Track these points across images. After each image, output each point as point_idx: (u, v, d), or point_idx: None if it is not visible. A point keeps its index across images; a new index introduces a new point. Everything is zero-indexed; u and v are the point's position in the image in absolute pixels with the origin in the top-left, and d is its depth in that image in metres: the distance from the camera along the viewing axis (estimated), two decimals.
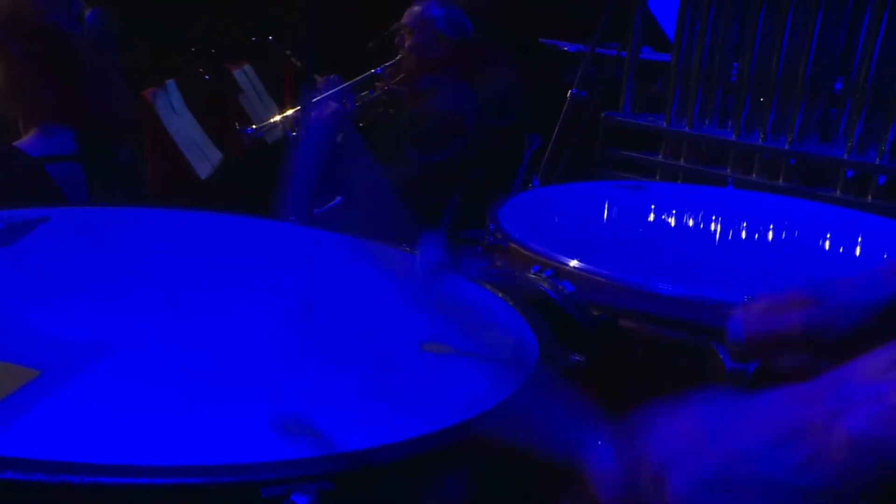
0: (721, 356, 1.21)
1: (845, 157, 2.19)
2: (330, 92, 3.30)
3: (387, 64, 3.63)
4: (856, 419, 0.58)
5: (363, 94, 3.61)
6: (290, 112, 3.54)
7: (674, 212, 1.73)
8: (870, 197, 2.15)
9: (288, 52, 4.96)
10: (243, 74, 4.36)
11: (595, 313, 1.27)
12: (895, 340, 0.61)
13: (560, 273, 1.28)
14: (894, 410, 0.58)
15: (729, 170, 2.38)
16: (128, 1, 3.48)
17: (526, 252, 1.36)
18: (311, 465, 0.73)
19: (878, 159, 2.15)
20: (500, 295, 1.19)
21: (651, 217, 1.69)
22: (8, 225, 0.80)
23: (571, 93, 2.44)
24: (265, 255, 1.34)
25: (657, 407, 0.70)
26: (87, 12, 2.17)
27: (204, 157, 3.48)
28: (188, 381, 0.89)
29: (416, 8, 3.42)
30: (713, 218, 1.71)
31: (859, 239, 1.65)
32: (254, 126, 3.40)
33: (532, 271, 1.30)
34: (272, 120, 3.50)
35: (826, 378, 0.63)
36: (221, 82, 4.34)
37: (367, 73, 3.59)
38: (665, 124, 2.51)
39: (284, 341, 1.03)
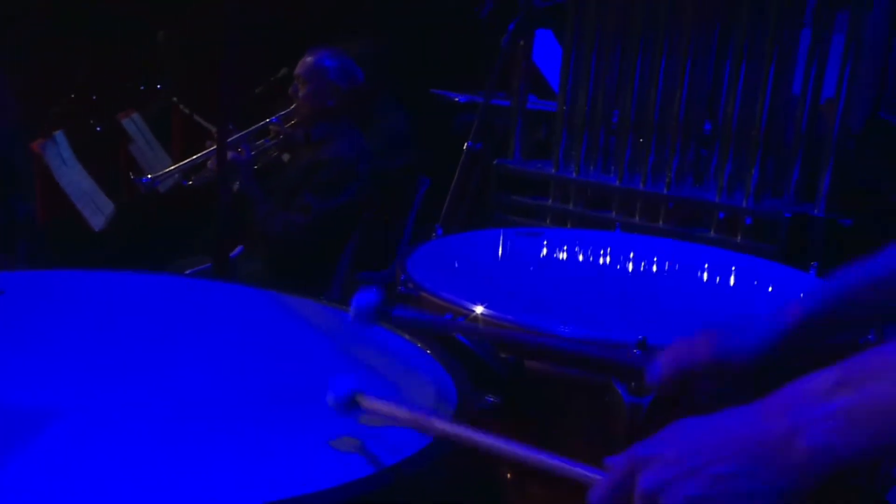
0: (619, 391, 1.33)
1: (716, 199, 2.40)
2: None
3: (281, 113, 3.68)
4: (812, 435, 0.73)
5: (258, 142, 3.65)
6: (185, 161, 3.55)
7: (568, 256, 1.87)
8: (739, 237, 2.36)
9: (175, 98, 4.95)
10: (132, 123, 4.33)
11: (503, 356, 1.38)
12: (831, 364, 0.77)
13: (470, 319, 1.38)
14: (844, 424, 0.73)
15: (613, 213, 2.55)
16: (16, 53, 3.44)
17: (436, 300, 1.46)
18: None
19: (744, 202, 2.37)
20: (419, 344, 1.28)
21: (549, 261, 1.82)
22: None
23: (467, 145, 2.57)
24: (198, 313, 1.39)
25: (640, 439, 0.82)
26: None
27: (96, 209, 3.45)
28: (137, 443, 0.95)
29: (309, 59, 3.49)
30: (605, 261, 1.86)
31: (732, 275, 1.83)
32: (149, 175, 3.39)
33: (445, 318, 1.40)
34: (167, 170, 3.50)
35: (775, 399, 0.77)
36: (111, 132, 4.30)
37: (262, 122, 3.63)
38: (553, 170, 2.67)
39: (221, 399, 1.09)
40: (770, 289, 1.77)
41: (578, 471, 0.86)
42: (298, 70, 3.46)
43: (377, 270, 3.76)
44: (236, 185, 3.27)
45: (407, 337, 1.30)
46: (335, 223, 3.37)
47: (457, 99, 4.03)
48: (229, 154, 3.18)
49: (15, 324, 1.25)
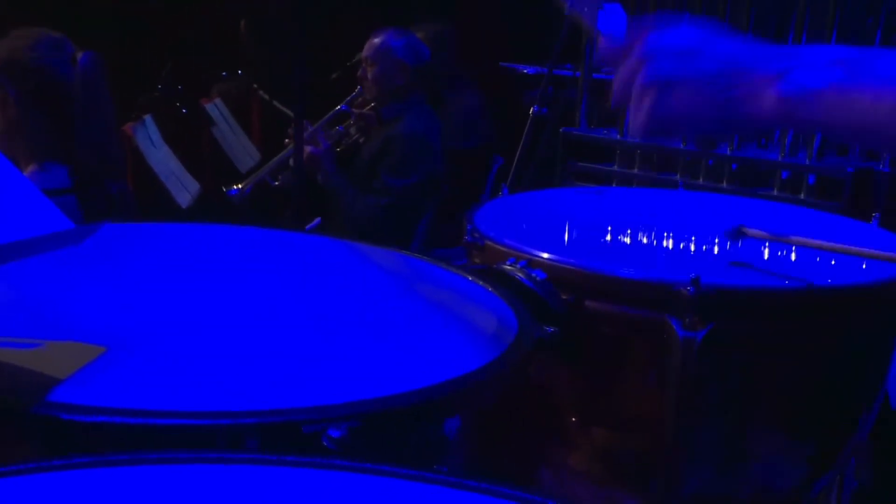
0: (674, 327, 1.40)
1: (779, 159, 2.43)
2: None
3: (348, 98, 3.80)
4: (790, 85, 0.84)
5: (332, 131, 3.77)
6: (269, 164, 3.68)
7: (630, 211, 1.93)
8: (803, 194, 2.38)
9: (255, 85, 5.14)
10: (215, 108, 4.53)
11: (564, 297, 1.46)
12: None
13: (532, 263, 1.47)
14: (823, 92, 0.83)
15: (678, 175, 2.59)
16: (106, 41, 3.64)
17: (500, 247, 1.54)
18: (339, 408, 0.91)
19: (807, 160, 2.39)
20: (480, 283, 1.37)
21: (611, 217, 1.89)
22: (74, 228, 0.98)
23: (533, 110, 2.64)
24: (280, 256, 1.52)
25: (656, 19, 0.97)
26: (79, 55, 2.33)
27: (183, 188, 3.63)
28: (233, 352, 1.07)
29: (376, 40, 3.58)
30: (666, 216, 1.92)
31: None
32: (237, 186, 3.53)
33: (507, 263, 1.49)
34: (253, 176, 3.63)
35: (782, 49, 0.89)
36: (195, 116, 4.51)
37: (334, 111, 3.75)
38: (619, 136, 2.72)
39: (305, 319, 1.21)
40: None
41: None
42: (365, 52, 3.56)
43: (451, 248, 3.87)
44: (320, 177, 3.39)
45: (470, 277, 1.39)
46: (414, 200, 3.47)
47: (525, 71, 4.09)
48: (308, 148, 3.31)
49: (120, 265, 1.39)
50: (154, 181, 3.51)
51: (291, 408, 0.90)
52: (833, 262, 1.62)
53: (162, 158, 3.60)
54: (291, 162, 3.41)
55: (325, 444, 0.88)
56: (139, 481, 0.75)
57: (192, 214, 3.56)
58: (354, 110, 3.64)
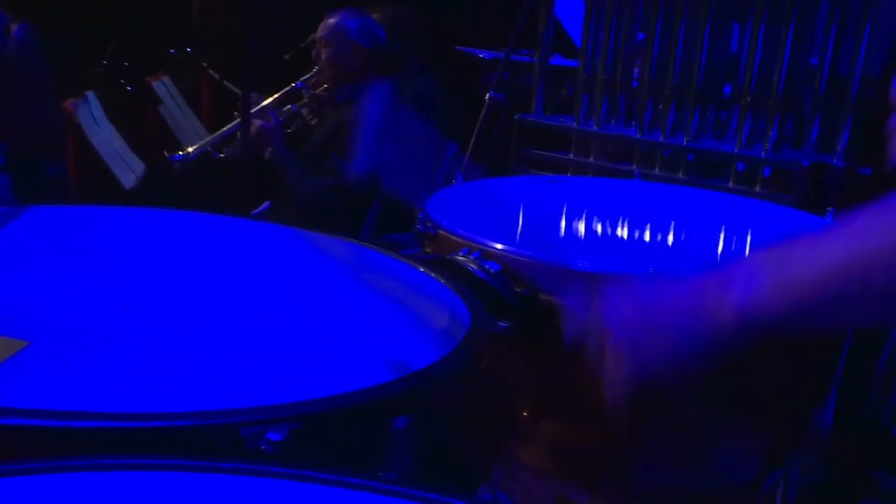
0: None
1: (735, 151, 2.42)
2: (253, 110, 3.37)
3: (305, 77, 3.72)
4: (739, 294, 0.85)
5: (285, 109, 3.68)
6: (215, 135, 3.59)
7: (587, 202, 1.90)
8: (758, 186, 2.37)
9: (205, 63, 5.01)
10: (162, 86, 4.39)
11: (518, 289, 1.42)
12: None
13: (486, 254, 1.42)
14: (766, 286, 0.84)
15: (634, 165, 2.57)
16: (49, 14, 3.51)
17: (453, 237, 1.49)
18: (280, 409, 0.85)
19: (763, 153, 2.38)
20: (432, 274, 1.32)
21: (567, 207, 1.85)
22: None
23: (489, 96, 2.59)
24: (222, 244, 1.45)
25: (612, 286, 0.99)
26: (14, 27, 2.23)
27: (127, 168, 3.52)
28: (168, 348, 1.01)
29: (330, 21, 3.50)
30: (622, 207, 1.89)
31: (747, 219, 1.85)
32: (181, 152, 3.43)
33: (460, 254, 1.44)
34: (199, 144, 3.54)
35: (720, 272, 0.90)
36: (141, 94, 4.37)
37: (288, 88, 3.66)
38: (575, 124, 2.69)
39: (247, 314, 1.15)
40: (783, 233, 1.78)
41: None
42: (320, 33, 3.48)
43: (402, 233, 3.81)
44: (268, 153, 3.32)
45: (422, 269, 1.34)
46: (363, 185, 3.40)
47: (482, 56, 4.03)
48: (258, 122, 3.23)
49: (56, 249, 1.31)
50: (96, 161, 3.40)
51: (227, 409, 0.84)
52: None
53: (105, 137, 3.48)
54: (240, 135, 3.32)
55: (263, 448, 0.82)
56: (59, 490, 0.69)
57: (136, 196, 3.46)
58: (308, 91, 3.55)
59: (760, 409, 1.53)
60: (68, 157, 3.55)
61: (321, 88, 3.65)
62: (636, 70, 2.62)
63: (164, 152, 3.49)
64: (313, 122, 3.72)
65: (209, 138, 3.53)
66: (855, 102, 2.23)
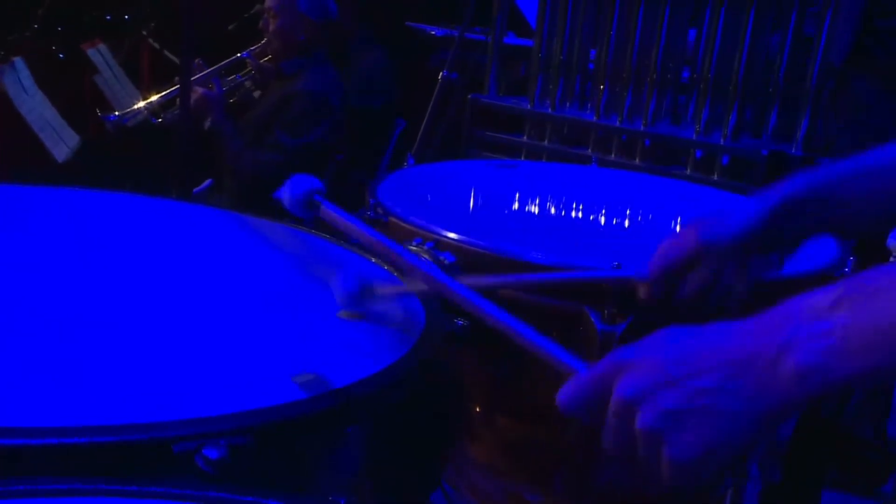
0: (592, 319, 1.30)
1: (694, 138, 2.37)
2: (196, 77, 3.23)
3: (252, 48, 3.60)
4: (804, 353, 0.67)
5: (229, 78, 3.56)
6: (154, 98, 3.45)
7: (543, 188, 1.83)
8: (716, 175, 2.33)
9: (144, 31, 4.82)
10: (97, 54, 4.19)
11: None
12: (833, 283, 0.70)
13: (440, 245, 1.34)
14: (839, 342, 0.66)
15: (590, 150, 2.51)
16: None
17: (406, 225, 1.42)
18: (218, 422, 0.76)
19: (721, 140, 2.34)
20: (383, 266, 1.24)
21: (522, 193, 1.78)
22: None
23: (443, 74, 2.51)
24: (154, 230, 1.34)
25: (625, 344, 0.77)
26: None
27: (60, 140, 3.35)
28: (88, 348, 0.91)
29: None
30: (579, 193, 1.82)
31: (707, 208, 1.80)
32: (116, 113, 3.29)
33: (413, 243, 1.36)
34: (136, 106, 3.39)
35: (773, 314, 0.71)
36: (75, 61, 4.17)
37: (234, 58, 3.54)
38: (529, 106, 2.62)
39: (183, 309, 1.05)
40: None
41: (564, 360, 0.84)
42: (268, 3, 3.36)
43: (348, 212, 3.71)
44: (208, 122, 3.19)
45: (373, 259, 1.26)
46: (306, 161, 3.30)
47: (433, 32, 3.94)
48: (200, 90, 3.10)
49: None
50: (25, 131, 3.22)
51: (157, 422, 0.75)
52: None
53: (35, 107, 3.29)
54: (178, 102, 3.19)
55: (200, 466, 0.74)
56: None
57: (70, 170, 3.29)
58: (254, 62, 3.43)
59: None
60: None
61: (266, 59, 3.53)
62: (592, 52, 2.56)
63: (97, 110, 3.33)
64: (256, 93, 3.60)
65: (146, 102, 3.38)
66: (814, 91, 2.20)
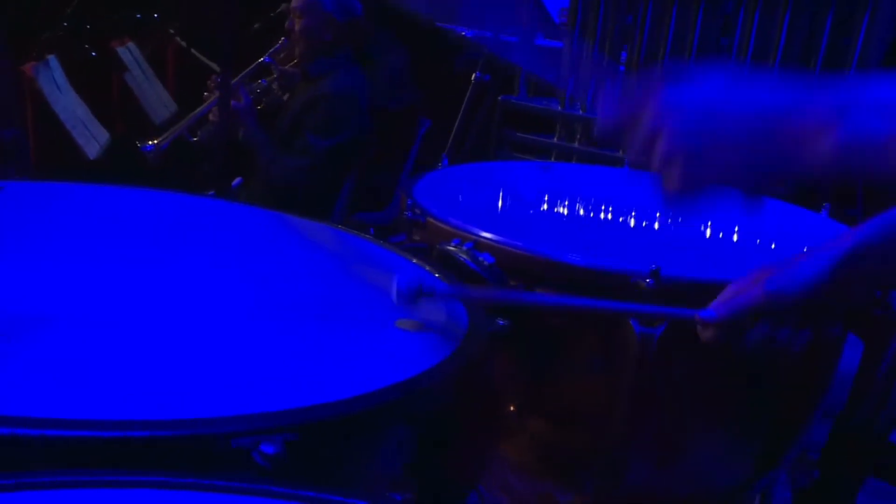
0: (631, 322, 1.31)
1: None
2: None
3: (272, 50, 3.60)
4: (857, 119, 0.70)
5: (253, 85, 3.57)
6: (189, 118, 3.45)
7: (577, 190, 1.83)
8: None
9: (172, 30, 4.85)
10: (127, 52, 4.23)
11: (512, 283, 1.35)
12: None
13: (479, 245, 1.35)
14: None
15: (621, 152, 2.51)
16: None
17: (444, 226, 1.42)
18: (276, 418, 0.78)
19: None
20: (425, 267, 1.25)
21: (557, 195, 1.79)
22: None
23: (476, 76, 2.52)
24: (199, 229, 1.36)
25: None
26: None
27: (91, 137, 3.38)
28: (145, 345, 0.92)
29: None
30: (612, 195, 1.82)
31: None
32: (153, 142, 3.30)
33: (452, 244, 1.37)
34: (171, 130, 3.40)
35: (834, 81, 0.73)
36: (105, 60, 4.21)
37: (255, 64, 3.55)
38: (559, 108, 2.62)
39: (233, 308, 1.06)
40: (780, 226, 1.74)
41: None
42: (294, 3, 3.37)
43: (373, 212, 3.72)
44: (241, 133, 3.21)
45: (414, 260, 1.27)
46: (335, 162, 3.32)
47: (464, 33, 3.94)
48: (230, 103, 3.11)
49: (12, 230, 1.21)
50: (58, 128, 3.25)
51: (216, 417, 0.76)
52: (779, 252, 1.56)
53: (68, 104, 3.33)
54: (211, 117, 3.20)
55: (257, 461, 0.75)
56: None
57: (101, 168, 3.32)
58: (277, 66, 3.44)
59: (753, 412, 1.49)
60: (26, 122, 3.39)
61: (291, 64, 3.55)
62: (623, 53, 2.56)
63: (137, 143, 3.35)
64: (285, 97, 3.61)
65: (181, 123, 3.40)
66: None
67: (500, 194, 1.75)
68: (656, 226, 1.68)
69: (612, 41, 2.57)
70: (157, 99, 4.24)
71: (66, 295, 1.01)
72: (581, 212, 1.71)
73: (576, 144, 2.59)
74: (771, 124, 0.74)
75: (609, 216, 1.70)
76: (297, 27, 3.36)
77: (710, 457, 1.51)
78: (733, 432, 1.50)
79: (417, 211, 1.49)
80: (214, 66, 4.72)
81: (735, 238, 1.66)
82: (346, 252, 1.32)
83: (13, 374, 0.82)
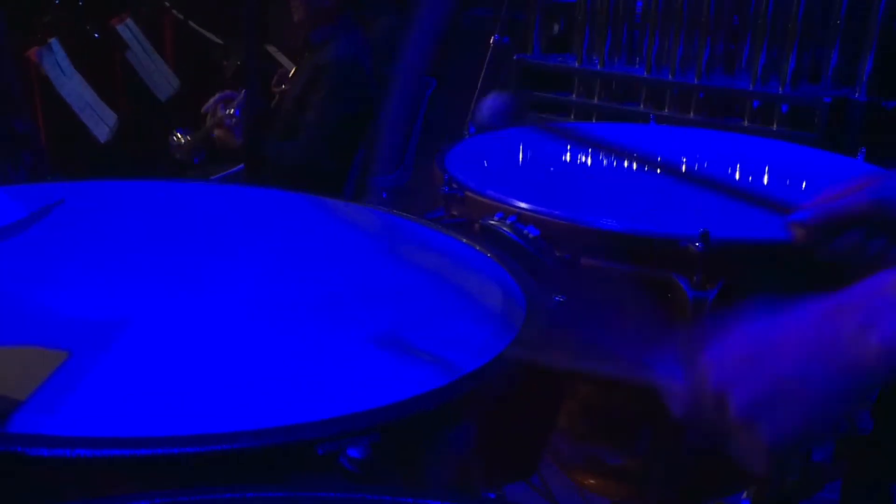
0: (682, 286, 1.29)
1: (751, 88, 2.32)
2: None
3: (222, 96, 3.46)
4: (884, 329, 0.69)
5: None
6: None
7: (607, 150, 1.80)
8: (775, 125, 2.29)
9: (167, 3, 4.77)
10: (127, 29, 4.17)
11: (558, 255, 1.34)
12: None
13: (522, 218, 1.33)
14: None
15: (642, 106, 2.47)
16: None
17: (484, 199, 1.40)
18: (362, 420, 0.77)
19: (780, 89, 2.29)
20: (477, 248, 1.23)
21: (588, 157, 1.76)
22: (30, 214, 0.80)
23: (494, 39, 2.47)
24: (244, 218, 1.34)
25: (714, 334, 0.81)
26: None
27: (99, 120, 3.35)
28: (216, 351, 0.91)
29: None
30: (644, 153, 1.80)
31: (781, 164, 1.77)
32: (195, 152, 3.25)
33: (494, 218, 1.35)
34: (196, 141, 3.33)
35: (856, 291, 0.74)
36: (105, 39, 4.15)
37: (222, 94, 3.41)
38: (577, 64, 2.58)
39: (292, 304, 1.05)
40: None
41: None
42: None
43: (389, 174, 3.69)
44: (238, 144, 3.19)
45: (461, 239, 1.25)
46: (347, 132, 3.28)
47: None
48: (220, 134, 3.09)
49: (70, 235, 1.20)
50: (67, 114, 3.21)
51: (300, 423, 0.75)
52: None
53: (74, 87, 3.29)
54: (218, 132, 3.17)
55: (344, 466, 0.74)
56: None
57: (112, 153, 3.29)
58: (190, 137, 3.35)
59: None
60: (36, 109, 3.36)
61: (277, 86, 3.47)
62: (639, 1, 2.51)
63: (176, 157, 3.30)
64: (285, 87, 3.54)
65: (207, 127, 3.33)
66: (879, 30, 2.13)
67: (532, 162, 1.72)
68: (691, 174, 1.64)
69: None
70: (160, 75, 4.19)
71: (127, 300, 1.00)
72: (617, 173, 1.68)
73: (595, 101, 2.55)
74: (812, 348, 0.74)
75: (647, 176, 1.67)
76: None
77: None
78: None
79: (455, 185, 1.47)
80: (213, 36, 4.67)
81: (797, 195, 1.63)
82: (389, 234, 1.30)
83: (96, 390, 0.81)
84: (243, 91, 3.34)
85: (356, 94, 3.25)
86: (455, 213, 1.47)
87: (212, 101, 3.28)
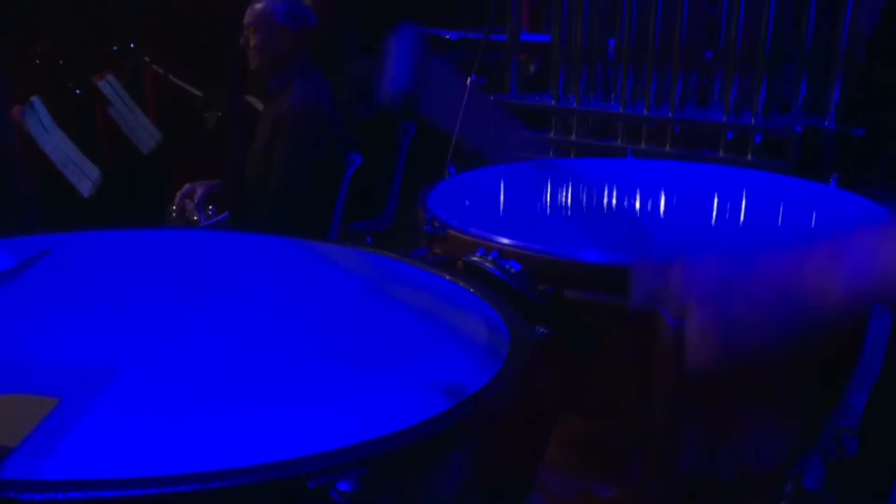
0: (663, 315, 1.31)
1: (724, 120, 2.37)
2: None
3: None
4: (852, 271, 0.83)
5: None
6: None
7: (586, 185, 1.84)
8: (749, 155, 2.34)
9: (147, 58, 4.82)
10: (108, 85, 4.21)
11: (541, 288, 1.36)
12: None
13: (504, 254, 1.35)
14: (881, 276, 0.82)
15: (619, 140, 2.52)
16: None
17: (466, 237, 1.43)
18: (351, 453, 0.78)
19: (752, 120, 2.34)
20: (461, 283, 1.24)
21: (568, 192, 1.79)
22: (19, 263, 0.81)
23: (471, 79, 2.51)
24: (233, 264, 1.36)
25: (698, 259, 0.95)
26: None
27: (83, 175, 3.36)
28: (205, 390, 0.92)
29: (257, 6, 3.34)
30: (623, 187, 1.83)
31: (755, 193, 1.80)
32: (204, 214, 3.28)
33: (476, 254, 1.37)
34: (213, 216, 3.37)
35: (825, 251, 0.86)
36: (87, 95, 4.19)
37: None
38: (553, 102, 2.62)
39: (279, 342, 1.06)
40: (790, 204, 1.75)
41: None
42: (247, 19, 3.31)
43: (369, 220, 3.71)
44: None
45: (445, 275, 1.27)
46: (322, 178, 3.28)
47: (448, 36, 3.94)
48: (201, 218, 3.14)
49: (59, 283, 1.21)
50: (50, 169, 3.23)
51: (289, 459, 0.76)
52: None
53: (57, 144, 3.31)
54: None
55: (335, 500, 0.75)
56: None
57: (95, 203, 3.30)
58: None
59: (794, 391, 1.50)
60: (29, 165, 3.38)
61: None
62: (612, 40, 2.56)
63: (194, 219, 3.34)
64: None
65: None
66: (843, 60, 2.19)
67: (513, 198, 1.75)
68: (669, 205, 1.68)
69: (601, 26, 2.57)
70: (142, 129, 4.21)
71: (116, 345, 1.01)
72: (598, 207, 1.71)
73: (573, 137, 2.59)
74: (784, 279, 0.87)
75: (625, 208, 1.70)
76: (252, 42, 3.32)
77: (754, 439, 1.52)
78: (774, 412, 1.51)
79: (437, 224, 1.49)
80: (193, 89, 4.72)
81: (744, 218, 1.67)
82: (375, 273, 1.32)
83: (83, 431, 0.82)
84: (205, 183, 3.40)
85: (319, 139, 3.24)
86: (438, 250, 1.49)
87: (178, 195, 3.34)
